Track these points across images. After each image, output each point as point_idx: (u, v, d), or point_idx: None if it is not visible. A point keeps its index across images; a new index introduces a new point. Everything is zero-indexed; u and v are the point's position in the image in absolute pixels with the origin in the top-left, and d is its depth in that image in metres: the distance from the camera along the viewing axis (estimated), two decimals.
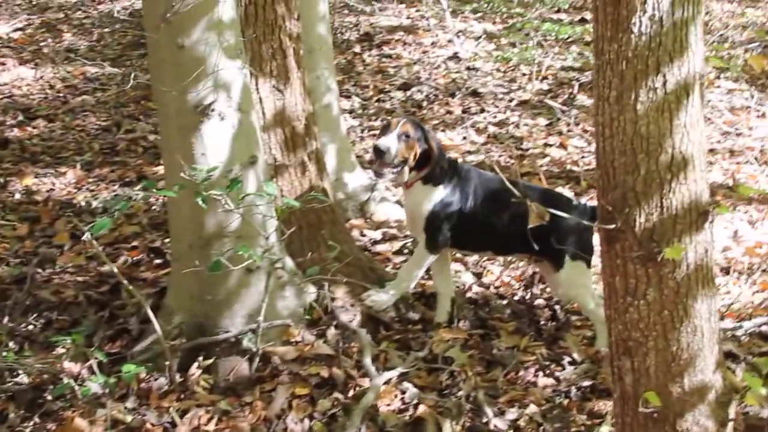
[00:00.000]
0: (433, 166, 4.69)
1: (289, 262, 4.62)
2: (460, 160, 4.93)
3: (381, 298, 4.79)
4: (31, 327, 4.96)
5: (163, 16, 3.99)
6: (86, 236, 3.92)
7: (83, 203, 6.55)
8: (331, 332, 4.58)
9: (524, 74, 8.97)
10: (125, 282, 4.28)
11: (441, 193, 4.71)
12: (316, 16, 5.88)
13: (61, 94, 8.92)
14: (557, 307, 4.98)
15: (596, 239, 5.40)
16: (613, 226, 3.01)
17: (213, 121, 4.18)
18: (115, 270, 4.27)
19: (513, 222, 4.65)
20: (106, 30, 10.88)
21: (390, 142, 4.59)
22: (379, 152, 4.60)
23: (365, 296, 4.78)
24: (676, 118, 2.92)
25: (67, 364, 4.39)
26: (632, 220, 2.99)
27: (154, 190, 4.32)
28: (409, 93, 8.63)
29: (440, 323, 4.84)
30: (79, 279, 5.45)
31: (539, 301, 5.07)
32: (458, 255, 5.52)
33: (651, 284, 3.02)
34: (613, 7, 2.89)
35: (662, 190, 2.95)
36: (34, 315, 5.06)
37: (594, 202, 6.05)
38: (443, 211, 4.71)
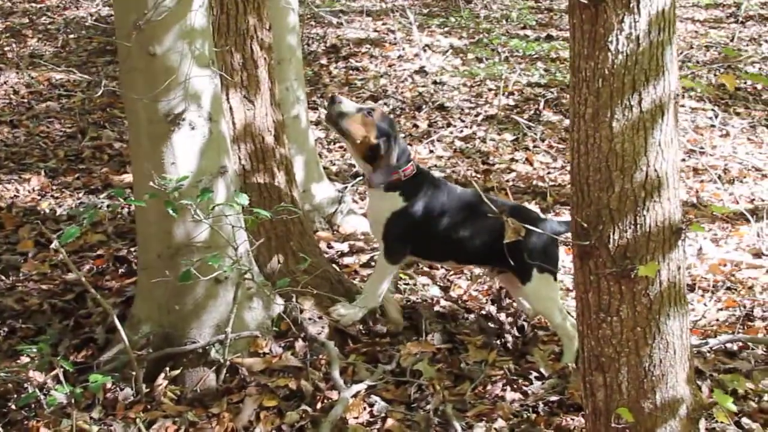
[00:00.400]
0: (379, 164, 4.61)
1: (258, 273, 4.61)
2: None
3: (348, 312, 4.78)
4: None
5: (134, 23, 3.96)
6: (54, 244, 3.89)
7: (47, 210, 6.50)
8: (299, 344, 4.57)
9: (490, 89, 9.00)
10: (92, 291, 4.24)
11: (402, 202, 4.66)
12: (286, 27, 5.88)
13: (25, 100, 8.85)
14: (524, 321, 4.99)
15: (562, 253, 5.54)
16: (587, 242, 3.03)
17: (183, 130, 4.16)
18: (83, 279, 4.23)
19: (479, 234, 4.68)
20: (72, 36, 10.81)
21: (348, 103, 4.59)
22: (332, 100, 4.61)
23: (333, 310, 4.77)
24: (651, 137, 2.94)
25: (33, 374, 4.34)
26: (606, 237, 3.01)
27: (123, 199, 4.29)
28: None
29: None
30: (44, 287, 5.40)
31: (506, 316, 5.08)
32: (425, 269, 5.53)
33: (624, 301, 3.05)
34: (590, 24, 2.91)
35: (636, 208, 2.98)
36: None
37: (560, 218, 6.14)
38: (403, 221, 4.67)
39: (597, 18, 2.88)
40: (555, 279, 4.76)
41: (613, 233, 3.00)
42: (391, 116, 4.76)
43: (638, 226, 2.99)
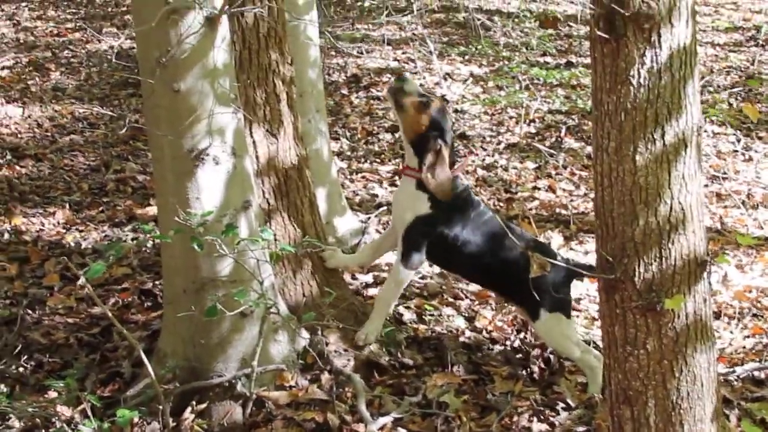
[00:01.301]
0: (427, 154, 4.56)
1: (283, 307, 4.62)
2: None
3: (368, 330, 4.80)
4: (21, 369, 4.93)
5: (157, 60, 4.00)
6: (81, 281, 3.91)
7: (73, 244, 6.53)
8: (325, 377, 4.58)
9: (512, 117, 9.02)
10: (119, 325, 4.26)
11: (428, 208, 4.63)
12: (307, 60, 5.91)
13: (49, 133, 8.90)
14: (550, 354, 4.98)
15: (587, 283, 5.54)
16: (612, 276, 3.04)
17: (208, 165, 4.19)
18: (109, 314, 4.25)
19: (495, 262, 4.70)
20: (94, 69, 10.88)
21: (413, 84, 4.66)
22: (399, 77, 4.70)
23: (357, 338, 4.79)
24: (674, 170, 2.95)
25: (60, 408, 4.36)
26: (631, 271, 3.02)
27: (149, 234, 4.32)
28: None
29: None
30: (70, 321, 5.42)
31: (532, 347, 5.07)
32: (450, 299, 5.54)
33: (650, 334, 3.05)
34: (612, 59, 2.93)
35: (661, 241, 2.98)
36: (25, 357, 5.02)
37: (577, 255, 6.15)
38: (426, 227, 4.65)
39: (618, 52, 2.90)
40: (568, 317, 4.74)
41: (639, 266, 3.00)
42: (449, 116, 4.73)
43: (663, 259, 2.99)
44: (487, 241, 4.68)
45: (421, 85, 9.93)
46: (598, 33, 2.88)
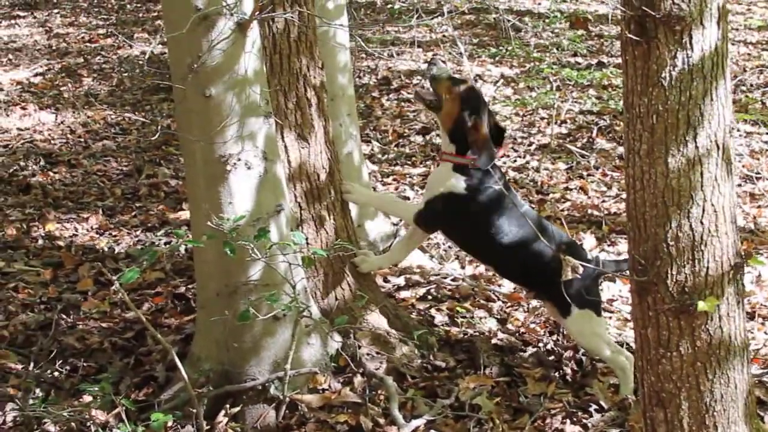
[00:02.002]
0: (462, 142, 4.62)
1: (316, 310, 4.64)
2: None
3: (371, 260, 4.96)
4: (56, 374, 4.97)
5: (189, 66, 4.03)
6: (116, 286, 3.94)
7: (106, 249, 6.58)
8: (358, 380, 4.59)
9: (543, 118, 9.00)
10: (152, 329, 4.30)
11: (463, 189, 4.64)
12: (338, 65, 5.92)
13: (82, 139, 8.97)
14: (583, 355, 4.97)
15: (620, 284, 5.52)
16: (645, 278, 3.03)
17: (240, 170, 4.22)
18: (143, 318, 4.28)
19: (525, 256, 4.68)
20: (126, 75, 10.96)
21: (442, 68, 4.73)
22: (432, 61, 4.76)
23: (356, 259, 4.93)
24: (707, 171, 2.95)
25: (95, 413, 4.39)
26: (664, 273, 3.01)
27: (181, 239, 4.35)
28: (428, 137, 8.66)
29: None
30: (104, 325, 5.46)
31: (564, 349, 5.06)
32: (482, 301, 5.54)
33: (684, 336, 3.04)
34: (643, 61, 2.92)
35: (694, 243, 2.98)
36: (60, 361, 5.06)
37: (609, 255, 6.13)
38: (454, 204, 4.66)
39: (649, 54, 2.90)
40: (598, 314, 4.72)
41: (671, 269, 3.00)
42: (482, 96, 4.82)
43: (696, 261, 2.99)
44: (521, 234, 4.65)
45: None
46: (629, 35, 2.88)
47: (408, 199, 7.25)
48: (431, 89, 4.75)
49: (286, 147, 4.71)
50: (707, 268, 2.99)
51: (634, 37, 2.88)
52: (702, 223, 2.97)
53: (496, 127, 4.78)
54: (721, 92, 2.94)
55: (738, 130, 8.45)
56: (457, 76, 4.76)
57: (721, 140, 2.95)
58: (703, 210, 2.96)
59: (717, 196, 2.96)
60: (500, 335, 5.21)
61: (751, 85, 9.99)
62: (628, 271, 3.47)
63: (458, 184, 4.66)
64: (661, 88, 2.90)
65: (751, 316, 5.39)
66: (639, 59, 2.92)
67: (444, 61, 4.56)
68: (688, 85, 2.89)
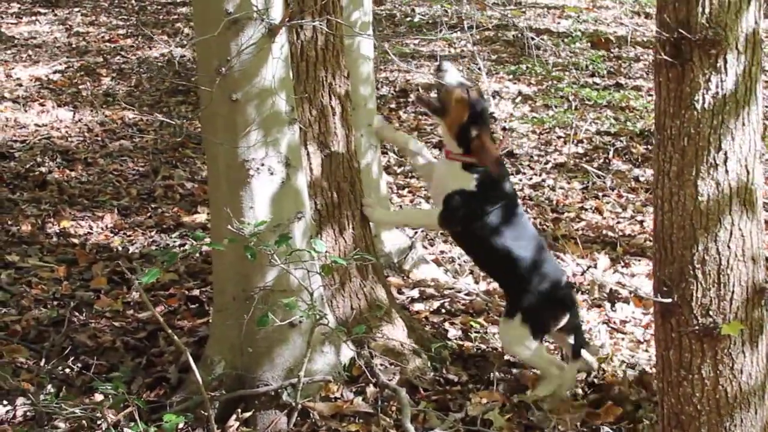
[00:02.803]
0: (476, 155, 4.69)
1: (332, 319, 4.64)
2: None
3: (377, 213, 5.10)
4: (68, 371, 4.98)
5: (217, 69, 4.05)
6: (135, 285, 3.94)
7: (120, 248, 6.59)
8: (371, 390, 4.59)
9: (559, 137, 9.00)
10: (168, 330, 4.28)
11: (474, 187, 4.72)
12: (361, 75, 5.91)
13: (99, 138, 8.97)
14: (594, 378, 4.96)
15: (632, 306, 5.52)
16: (669, 299, 3.03)
17: (262, 175, 4.23)
18: (160, 319, 4.26)
19: (516, 266, 4.78)
20: (145, 75, 10.98)
21: (452, 74, 4.73)
22: (440, 66, 4.78)
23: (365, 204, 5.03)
24: (735, 195, 2.95)
25: (107, 411, 4.39)
26: (689, 295, 3.01)
27: (202, 242, 4.35)
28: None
29: None
30: (116, 324, 5.47)
31: (577, 371, 5.06)
32: (496, 317, 5.53)
33: (706, 359, 3.04)
34: (677, 83, 2.93)
35: (720, 266, 2.98)
36: (72, 359, 5.06)
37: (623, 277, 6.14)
38: (468, 200, 4.72)
39: (683, 77, 2.90)
40: (533, 337, 4.75)
41: (696, 291, 3.00)
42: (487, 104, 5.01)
43: (722, 284, 2.99)
44: (515, 242, 4.76)
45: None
46: (664, 57, 2.88)
47: None
48: (437, 94, 4.78)
49: (308, 154, 4.72)
50: (732, 292, 3.00)
51: (669, 59, 2.88)
52: (729, 247, 2.97)
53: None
54: (753, 117, 2.95)
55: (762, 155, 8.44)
56: (464, 80, 4.76)
57: (752, 165, 2.96)
58: (731, 234, 2.96)
59: (745, 221, 2.97)
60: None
61: None
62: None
63: (470, 181, 4.73)
64: (693, 110, 2.91)
65: None
66: (673, 81, 2.93)
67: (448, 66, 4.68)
68: (721, 109, 2.90)
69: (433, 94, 4.84)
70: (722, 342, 3.01)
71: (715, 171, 2.92)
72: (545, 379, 4.76)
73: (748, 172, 2.96)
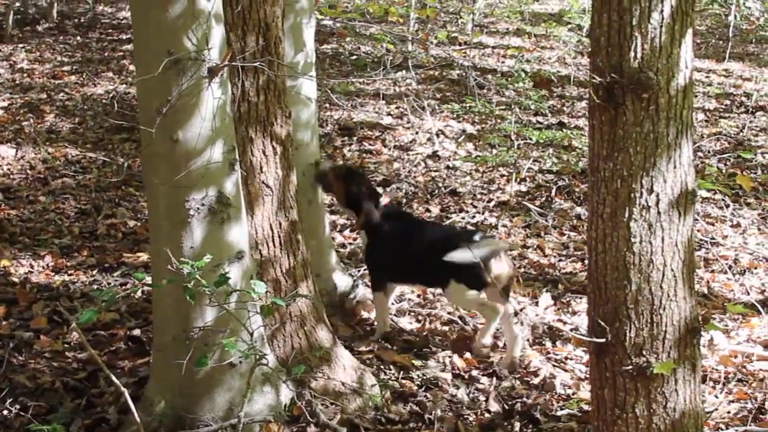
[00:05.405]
0: (361, 219, 5.78)
1: (272, 359, 4.63)
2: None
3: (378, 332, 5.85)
4: (6, 412, 4.91)
5: (158, 109, 4.04)
6: (73, 326, 3.91)
7: (61, 287, 6.53)
8: (312, 430, 4.58)
9: (503, 175, 9.07)
10: (107, 371, 4.25)
11: (370, 240, 5.80)
12: (304, 114, 5.95)
13: (41, 175, 8.91)
14: (539, 414, 4.98)
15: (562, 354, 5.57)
16: (603, 339, 3.07)
17: (203, 215, 4.22)
18: (99, 360, 4.24)
19: (421, 259, 5.62)
20: (89, 113, 10.93)
21: (324, 163, 6.11)
22: (317, 165, 6.01)
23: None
24: (668, 237, 2.99)
25: None
26: (622, 335, 3.05)
27: (142, 282, 4.33)
28: (389, 189, 8.69)
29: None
30: (56, 365, 5.41)
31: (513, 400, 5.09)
32: (439, 354, 5.56)
33: (640, 398, 3.08)
34: (610, 126, 2.98)
35: (653, 306, 3.02)
36: (10, 400, 5.00)
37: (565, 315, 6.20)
38: (373, 256, 5.83)
39: (616, 120, 2.95)
40: (471, 288, 5.49)
41: (630, 331, 3.04)
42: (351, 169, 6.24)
43: (654, 324, 3.03)
44: (411, 246, 5.71)
45: (412, 140, 10.04)
46: (597, 101, 2.93)
47: None
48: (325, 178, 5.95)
49: (250, 194, 4.72)
50: (665, 331, 3.04)
51: (602, 103, 2.93)
52: (662, 287, 3.01)
53: (373, 189, 6.03)
54: (684, 160, 2.99)
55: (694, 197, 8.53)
56: (336, 165, 6.05)
57: (683, 206, 3.00)
58: (663, 275, 3.01)
59: (677, 261, 3.01)
60: (452, 391, 5.21)
61: (709, 152, 10.13)
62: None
63: (366, 241, 5.85)
64: (626, 153, 2.95)
65: (702, 380, 5.42)
66: (606, 124, 2.98)
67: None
68: (653, 151, 2.95)
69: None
70: (655, 381, 3.05)
71: (648, 213, 2.97)
72: (487, 321, 5.57)
73: (680, 214, 3.00)
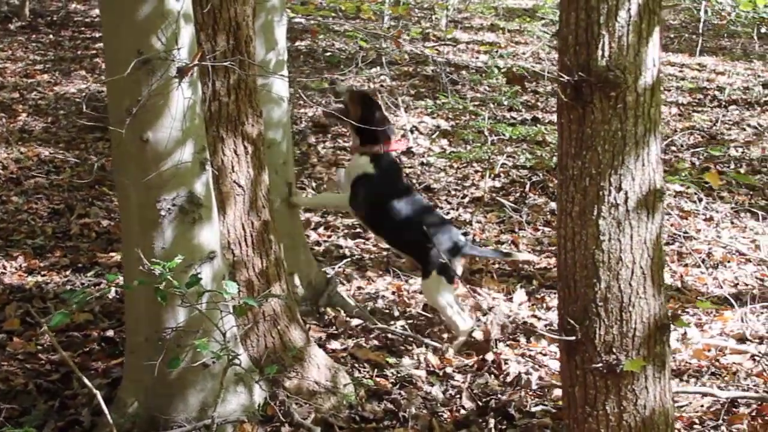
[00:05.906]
0: (365, 135, 5.79)
1: (245, 359, 4.62)
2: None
3: (298, 198, 6.20)
4: None
5: (127, 109, 4.02)
6: (44, 328, 3.89)
7: (34, 288, 6.50)
8: (286, 429, 4.58)
9: (477, 171, 9.08)
10: (79, 373, 4.24)
11: (370, 167, 5.80)
12: (276, 112, 5.94)
13: (14, 175, 8.86)
14: (514, 411, 4.99)
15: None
16: (573, 337, 3.07)
17: (174, 215, 4.21)
18: (70, 362, 4.23)
19: (409, 227, 5.75)
20: (62, 112, 10.87)
21: (345, 84, 6.14)
22: (333, 81, 6.21)
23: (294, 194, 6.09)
24: (636, 234, 3.00)
25: None
26: (592, 333, 3.06)
27: (114, 283, 4.31)
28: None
29: None
30: (29, 366, 5.38)
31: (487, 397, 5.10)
32: (415, 352, 5.56)
33: (610, 395, 3.09)
34: (578, 125, 2.98)
35: (622, 304, 3.03)
36: None
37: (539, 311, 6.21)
38: (365, 181, 5.80)
39: (584, 119, 2.96)
40: (449, 282, 5.67)
41: (599, 329, 3.05)
42: (371, 96, 6.24)
43: (624, 321, 3.04)
44: (410, 215, 5.80)
45: None
46: (566, 100, 2.93)
47: (341, 247, 7.29)
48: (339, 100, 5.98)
49: (222, 193, 4.71)
50: (635, 329, 3.05)
51: (571, 102, 2.93)
52: (631, 284, 3.02)
53: (386, 118, 6.06)
54: (652, 158, 3.00)
55: (668, 189, 8.58)
56: (354, 88, 5.63)
57: (651, 204, 3.01)
58: (632, 272, 3.02)
59: (646, 258, 3.02)
60: (427, 388, 5.22)
61: (681, 146, 10.17)
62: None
63: (369, 167, 5.81)
64: (594, 152, 2.96)
65: (675, 374, 5.45)
66: (574, 123, 2.99)
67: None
68: (621, 149, 2.96)
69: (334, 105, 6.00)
70: (625, 378, 3.06)
71: (616, 210, 2.98)
72: (455, 333, 5.68)
73: (648, 211, 3.01)
